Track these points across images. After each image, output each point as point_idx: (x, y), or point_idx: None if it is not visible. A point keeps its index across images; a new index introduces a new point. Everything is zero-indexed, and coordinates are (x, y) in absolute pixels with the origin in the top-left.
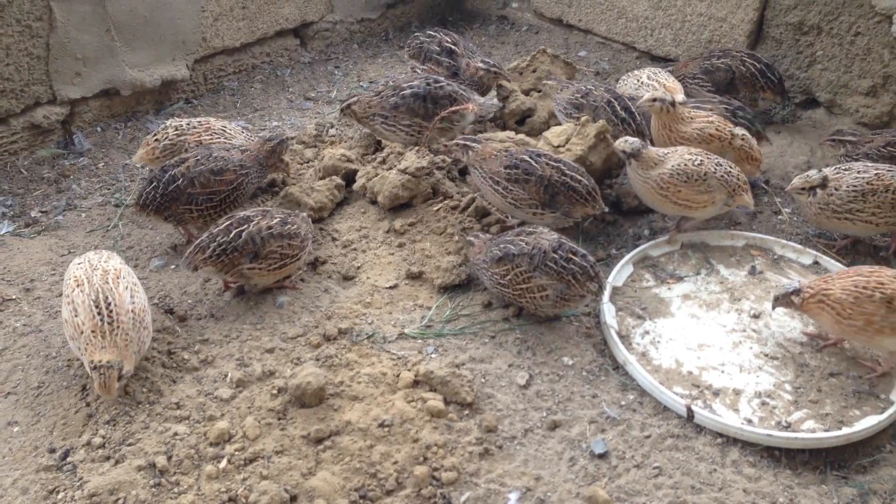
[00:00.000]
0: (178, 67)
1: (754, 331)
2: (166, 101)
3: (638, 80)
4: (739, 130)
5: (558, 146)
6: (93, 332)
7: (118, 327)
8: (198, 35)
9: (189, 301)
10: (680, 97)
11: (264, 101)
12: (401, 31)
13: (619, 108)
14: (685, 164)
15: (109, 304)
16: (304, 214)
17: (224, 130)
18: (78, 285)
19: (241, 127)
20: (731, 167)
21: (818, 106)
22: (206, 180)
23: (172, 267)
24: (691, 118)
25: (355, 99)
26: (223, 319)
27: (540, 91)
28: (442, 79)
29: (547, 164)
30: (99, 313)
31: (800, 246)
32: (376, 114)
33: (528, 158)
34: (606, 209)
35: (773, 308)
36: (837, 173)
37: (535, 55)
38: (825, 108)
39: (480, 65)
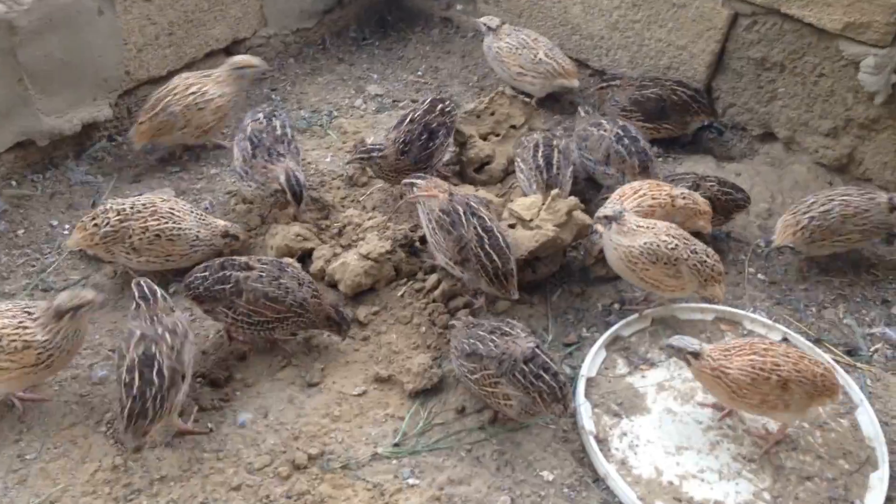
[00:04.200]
0: (101, 108)
1: (729, 427)
2: (87, 142)
3: (535, 57)
4: (678, 190)
5: (530, 220)
6: None
7: None
8: (120, 70)
9: None
10: (575, 82)
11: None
12: (338, 36)
13: (540, 155)
14: (657, 245)
15: None
16: None
17: (172, 213)
18: None
19: (192, 209)
20: (707, 256)
21: (776, 141)
22: (255, 299)
23: (115, 377)
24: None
25: (374, 155)
26: (180, 448)
27: (498, 135)
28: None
29: (476, 226)
30: None
31: (769, 321)
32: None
33: (461, 212)
34: (515, 297)
35: (666, 349)
36: None
37: (493, 97)
38: (783, 143)
39: None
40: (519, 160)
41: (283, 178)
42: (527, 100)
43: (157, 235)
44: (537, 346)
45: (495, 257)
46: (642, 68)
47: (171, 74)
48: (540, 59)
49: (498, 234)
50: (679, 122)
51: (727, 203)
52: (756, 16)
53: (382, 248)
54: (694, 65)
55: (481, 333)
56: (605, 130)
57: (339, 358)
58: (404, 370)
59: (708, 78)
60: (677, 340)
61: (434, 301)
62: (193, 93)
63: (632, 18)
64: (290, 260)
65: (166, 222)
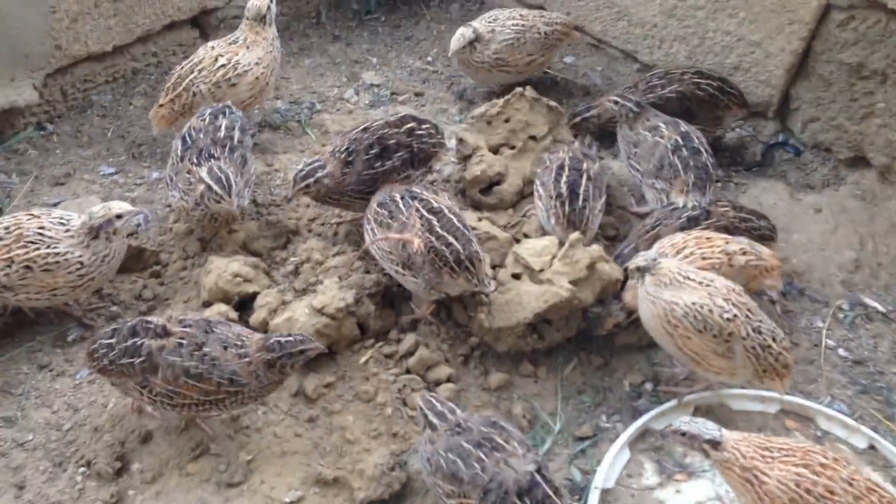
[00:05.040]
0: (21, 90)
1: None
2: (9, 130)
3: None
4: (736, 244)
5: (540, 270)
6: None
7: None
8: (48, 44)
9: None
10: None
11: (149, 128)
12: (336, 7)
13: (563, 181)
14: (709, 310)
15: None
16: None
17: (41, 235)
18: None
19: (68, 218)
20: (773, 340)
21: (869, 168)
22: (175, 377)
23: None
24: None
25: (320, 174)
26: None
27: (513, 148)
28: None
29: (418, 209)
30: None
31: (852, 421)
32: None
33: (398, 199)
34: (490, 289)
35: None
36: None
37: (510, 98)
38: (879, 172)
39: None
40: (538, 183)
41: (204, 173)
42: (552, 104)
43: (28, 267)
44: (538, 469)
45: (451, 239)
46: (703, 66)
47: (118, 50)
48: (545, 32)
49: (450, 215)
50: (710, 119)
51: (747, 234)
52: (854, 10)
53: (342, 300)
54: (769, 66)
55: (466, 447)
56: (661, 136)
57: (274, 446)
58: (356, 471)
59: (786, 84)
60: (688, 425)
61: (408, 372)
62: (223, 65)
63: (693, 4)
64: (223, 311)
65: (36, 248)
